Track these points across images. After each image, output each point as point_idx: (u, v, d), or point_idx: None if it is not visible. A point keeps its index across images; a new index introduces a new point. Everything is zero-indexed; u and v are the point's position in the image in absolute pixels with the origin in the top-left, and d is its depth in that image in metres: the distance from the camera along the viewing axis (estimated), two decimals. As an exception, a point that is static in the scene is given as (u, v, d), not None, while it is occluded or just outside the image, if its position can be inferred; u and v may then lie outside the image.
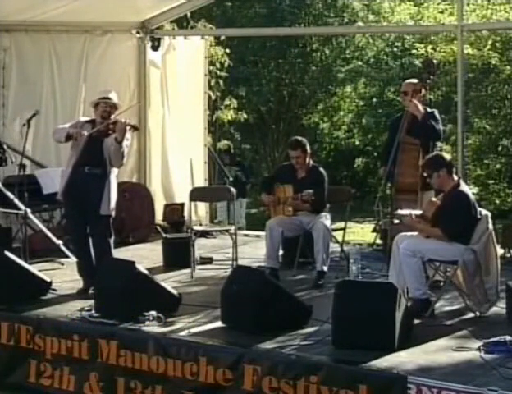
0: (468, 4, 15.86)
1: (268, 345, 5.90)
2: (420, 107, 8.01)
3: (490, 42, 16.35)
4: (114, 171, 7.76)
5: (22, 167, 8.65)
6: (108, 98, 7.76)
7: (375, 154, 21.17)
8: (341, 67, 21.90)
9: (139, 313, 6.46)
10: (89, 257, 7.70)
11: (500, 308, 6.77)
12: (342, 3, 21.36)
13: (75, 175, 7.61)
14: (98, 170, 7.62)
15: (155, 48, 11.43)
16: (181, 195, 10.94)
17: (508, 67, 16.56)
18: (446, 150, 13.56)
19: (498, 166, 17.24)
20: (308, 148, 8.44)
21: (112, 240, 7.75)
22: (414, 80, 8.26)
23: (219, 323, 6.48)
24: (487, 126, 17.11)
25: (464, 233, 6.71)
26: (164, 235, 9.80)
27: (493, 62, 16.43)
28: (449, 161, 7.04)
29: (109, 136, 7.63)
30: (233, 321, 6.38)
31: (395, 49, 20.61)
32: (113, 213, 7.76)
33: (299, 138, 8.67)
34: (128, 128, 7.66)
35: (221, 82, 14.40)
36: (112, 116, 7.68)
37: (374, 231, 9.47)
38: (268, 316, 6.20)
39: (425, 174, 7.07)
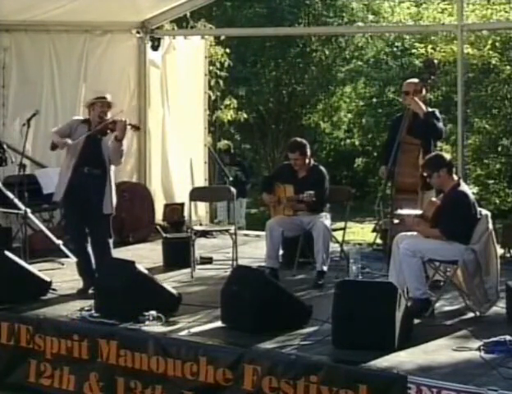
0: (468, 4, 15.83)
1: (268, 345, 5.91)
2: (422, 104, 8.01)
3: (490, 42, 16.33)
4: (112, 169, 7.77)
5: (22, 166, 8.66)
6: (104, 98, 7.76)
7: (375, 154, 21.15)
8: (341, 67, 21.87)
9: (139, 313, 6.46)
10: (88, 257, 7.70)
11: (500, 308, 6.78)
12: (341, 3, 21.34)
13: (75, 176, 7.60)
14: (98, 170, 7.62)
15: (155, 47, 11.42)
16: (181, 195, 10.93)
17: (508, 67, 16.54)
18: (446, 150, 13.59)
19: (498, 166, 17.22)
20: (307, 150, 8.40)
21: (111, 242, 7.75)
22: (415, 80, 8.26)
23: (219, 323, 6.48)
24: (487, 126, 17.08)
25: (464, 233, 6.71)
26: (164, 235, 9.79)
27: (493, 62, 16.41)
28: (449, 161, 7.04)
29: (107, 135, 7.65)
30: (233, 321, 6.38)
31: (394, 49, 20.57)
32: (114, 212, 7.78)
33: (299, 139, 8.62)
34: (129, 127, 7.68)
35: (221, 82, 14.37)
36: (109, 115, 7.69)
37: (374, 231, 9.47)
38: (268, 316, 6.20)
39: (425, 174, 7.08)
